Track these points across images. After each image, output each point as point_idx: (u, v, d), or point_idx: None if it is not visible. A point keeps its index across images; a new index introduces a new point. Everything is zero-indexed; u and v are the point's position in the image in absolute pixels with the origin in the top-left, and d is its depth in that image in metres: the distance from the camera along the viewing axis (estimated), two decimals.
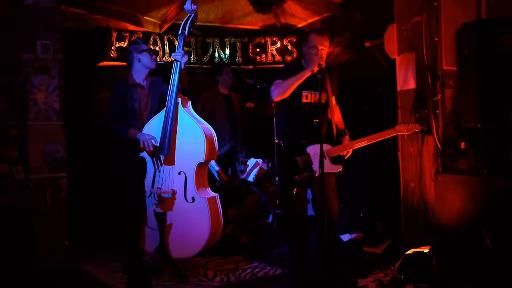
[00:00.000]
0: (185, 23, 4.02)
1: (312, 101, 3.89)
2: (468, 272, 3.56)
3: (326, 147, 3.82)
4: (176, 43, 4.10)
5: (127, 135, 3.96)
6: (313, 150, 3.81)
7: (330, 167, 3.82)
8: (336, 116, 4.04)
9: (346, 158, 3.91)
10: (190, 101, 4.17)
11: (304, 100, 3.88)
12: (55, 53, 4.59)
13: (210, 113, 5.32)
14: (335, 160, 3.88)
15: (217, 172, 5.06)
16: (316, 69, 3.68)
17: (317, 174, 3.76)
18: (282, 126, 4.04)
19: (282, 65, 6.21)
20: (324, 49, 3.86)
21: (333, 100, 4.02)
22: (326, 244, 3.63)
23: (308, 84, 3.83)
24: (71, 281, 4.23)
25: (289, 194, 3.80)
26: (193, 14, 4.01)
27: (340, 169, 3.88)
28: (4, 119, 4.40)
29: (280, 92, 3.82)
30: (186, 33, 4.01)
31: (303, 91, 3.86)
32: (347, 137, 3.97)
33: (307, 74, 3.76)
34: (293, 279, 3.95)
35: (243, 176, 5.29)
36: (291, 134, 3.90)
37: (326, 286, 3.63)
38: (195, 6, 3.98)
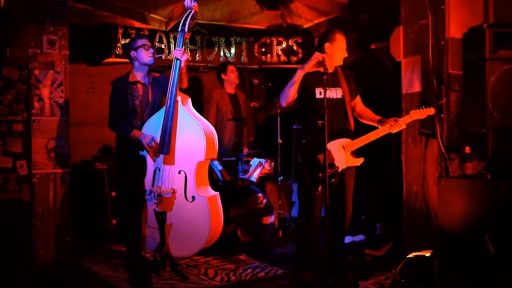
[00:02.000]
0: (185, 19, 3.97)
1: (327, 97, 3.90)
2: (470, 276, 3.55)
3: (346, 141, 3.83)
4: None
5: (128, 136, 3.95)
6: (333, 146, 3.81)
7: (352, 161, 3.83)
8: (364, 111, 4.07)
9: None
10: (190, 99, 4.14)
11: (318, 96, 3.90)
12: (61, 49, 4.60)
13: (216, 112, 5.32)
14: (356, 153, 3.88)
15: (220, 171, 5.06)
16: (312, 66, 3.77)
17: (339, 169, 3.78)
18: (303, 126, 4.06)
19: (287, 66, 6.23)
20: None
21: (358, 99, 4.08)
22: (329, 246, 3.63)
23: (320, 81, 3.86)
24: (72, 277, 4.24)
25: (315, 193, 3.79)
26: (193, 11, 3.97)
27: (362, 161, 3.88)
28: (8, 113, 4.41)
29: (283, 97, 3.88)
30: (185, 30, 3.96)
31: (316, 88, 3.88)
32: (387, 121, 3.93)
33: (300, 73, 3.82)
34: (294, 280, 3.94)
35: (246, 176, 5.28)
36: (310, 132, 3.91)
37: (327, 287, 3.62)
38: (195, 3, 3.95)
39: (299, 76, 3.82)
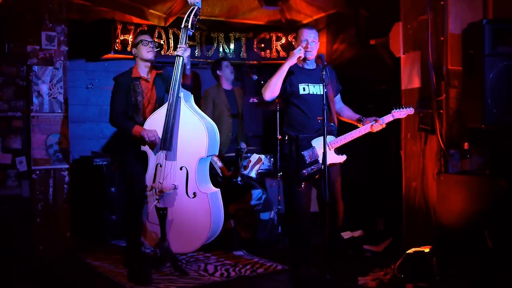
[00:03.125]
0: (188, 16, 3.98)
1: (310, 92, 3.90)
2: (469, 272, 3.56)
3: (329, 138, 3.83)
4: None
5: (131, 131, 3.95)
6: (318, 143, 3.81)
7: (335, 158, 3.83)
8: (343, 109, 4.10)
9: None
10: (192, 95, 4.15)
11: (302, 92, 3.89)
12: (60, 45, 4.59)
13: (212, 108, 5.32)
14: (339, 150, 3.88)
15: (220, 168, 5.07)
16: (294, 61, 3.80)
17: (323, 166, 3.77)
18: (285, 122, 4.05)
19: None
20: (314, 41, 3.91)
21: (337, 95, 4.06)
22: (327, 242, 3.63)
23: (304, 77, 3.86)
24: (72, 272, 4.24)
25: (298, 189, 3.80)
26: (196, 7, 3.97)
27: (345, 159, 3.88)
28: (8, 110, 4.40)
29: (268, 90, 3.86)
30: (189, 26, 3.98)
31: (299, 84, 3.88)
32: (367, 120, 3.95)
33: (286, 65, 3.82)
34: (293, 276, 3.96)
35: (245, 172, 5.29)
36: (294, 129, 3.90)
37: (326, 283, 3.63)
38: None
39: (285, 68, 3.82)
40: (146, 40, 4.05)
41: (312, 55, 3.91)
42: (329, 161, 3.82)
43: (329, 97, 3.90)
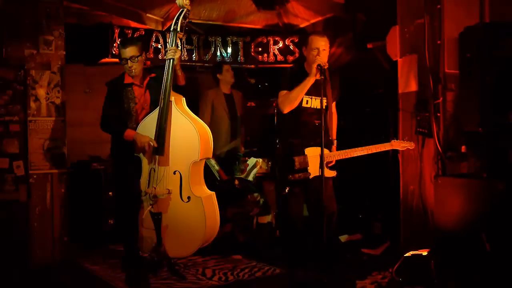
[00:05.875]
0: (177, 18, 3.92)
1: (313, 106, 3.90)
2: (466, 275, 3.56)
3: (324, 151, 3.81)
4: (179, 41, 4.01)
5: (122, 135, 3.91)
6: (311, 152, 3.81)
7: (326, 172, 3.80)
8: (333, 123, 4.05)
9: (329, 166, 3.89)
10: (184, 98, 4.12)
11: (304, 105, 3.89)
12: (57, 49, 4.60)
13: (211, 112, 5.32)
14: (331, 165, 3.88)
15: (217, 171, 5.06)
16: (319, 75, 3.70)
17: (311, 176, 3.77)
18: (281, 127, 4.04)
19: (283, 65, 6.23)
20: (325, 50, 3.87)
21: (333, 107, 4.03)
22: (325, 246, 3.63)
23: (308, 89, 3.84)
24: (70, 277, 4.23)
25: (282, 193, 3.80)
26: (185, 9, 3.93)
27: (335, 175, 3.88)
28: (5, 114, 4.40)
29: (289, 104, 3.85)
30: (178, 29, 3.93)
31: (304, 96, 3.87)
32: (334, 146, 3.97)
33: (312, 80, 3.77)
34: (290, 280, 3.95)
35: (243, 176, 5.29)
36: (290, 135, 3.89)
37: (324, 287, 3.63)
38: (187, 1, 3.93)
39: (310, 82, 3.78)
40: (125, 59, 3.93)
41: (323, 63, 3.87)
42: (318, 173, 3.78)
43: (329, 111, 3.90)
